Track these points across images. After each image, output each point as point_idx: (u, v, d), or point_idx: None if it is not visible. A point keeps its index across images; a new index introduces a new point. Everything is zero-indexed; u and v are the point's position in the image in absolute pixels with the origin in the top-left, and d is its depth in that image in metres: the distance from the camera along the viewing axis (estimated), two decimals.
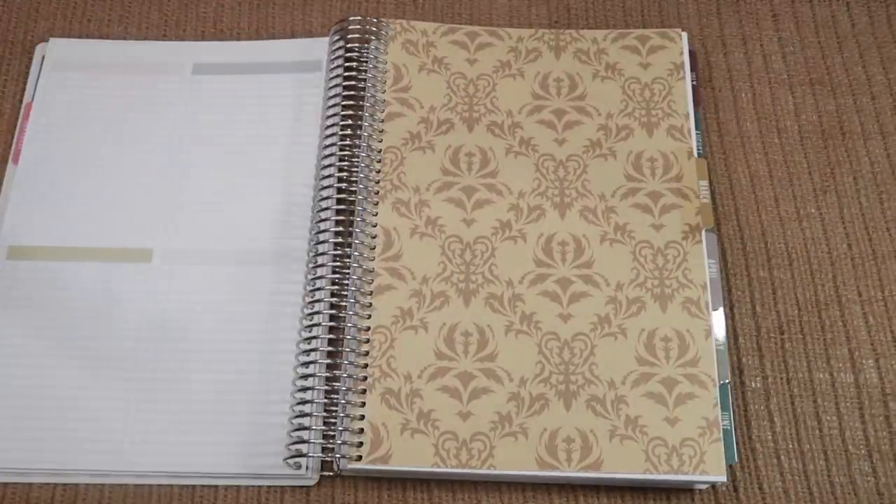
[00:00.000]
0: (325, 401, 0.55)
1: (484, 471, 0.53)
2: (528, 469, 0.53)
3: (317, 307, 0.57)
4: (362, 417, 0.54)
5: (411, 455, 0.53)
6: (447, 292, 0.57)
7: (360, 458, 0.53)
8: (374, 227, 0.59)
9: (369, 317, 0.56)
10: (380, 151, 0.61)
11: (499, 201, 0.59)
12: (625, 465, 0.53)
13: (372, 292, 0.57)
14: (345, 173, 0.60)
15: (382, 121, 0.62)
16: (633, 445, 0.53)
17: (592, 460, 0.53)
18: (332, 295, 0.57)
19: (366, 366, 0.55)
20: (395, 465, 0.53)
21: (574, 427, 0.53)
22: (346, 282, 0.57)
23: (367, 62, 0.63)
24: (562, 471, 0.53)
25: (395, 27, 0.65)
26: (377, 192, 0.60)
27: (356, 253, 0.58)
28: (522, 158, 0.61)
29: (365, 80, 0.63)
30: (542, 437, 0.53)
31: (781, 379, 0.58)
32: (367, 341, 0.56)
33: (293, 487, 0.55)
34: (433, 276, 0.57)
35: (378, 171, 0.60)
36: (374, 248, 0.58)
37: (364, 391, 0.54)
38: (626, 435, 0.53)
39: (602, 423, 0.54)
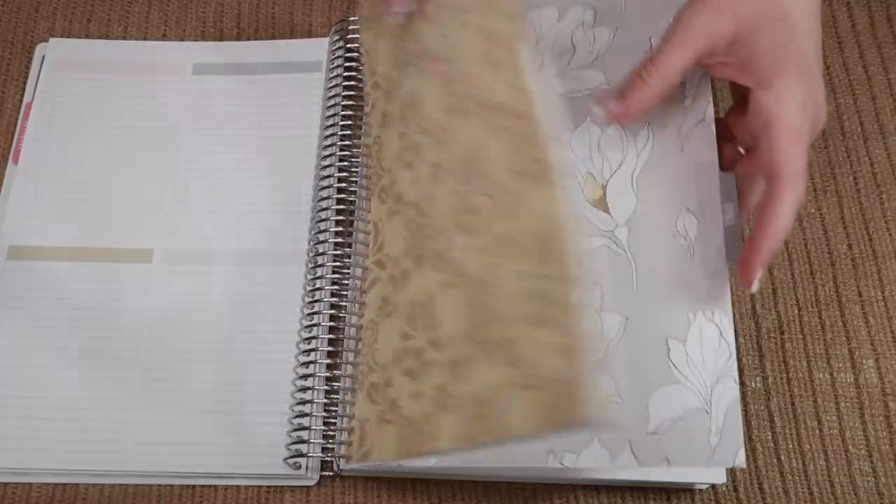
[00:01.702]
0: (325, 401, 0.55)
1: (485, 466, 0.52)
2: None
3: (316, 307, 0.57)
4: None
5: (382, 449, 0.49)
6: (408, 266, 0.52)
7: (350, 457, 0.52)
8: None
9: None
10: None
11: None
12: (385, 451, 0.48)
13: (366, 291, 0.57)
14: (345, 173, 0.60)
15: None
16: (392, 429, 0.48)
17: (367, 449, 0.49)
18: (332, 295, 0.57)
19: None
20: (373, 462, 0.50)
21: (357, 419, 0.51)
22: (345, 282, 0.57)
23: None
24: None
25: None
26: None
27: (355, 253, 0.58)
28: None
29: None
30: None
31: (781, 379, 0.58)
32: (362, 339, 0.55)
33: (293, 487, 0.55)
34: (401, 252, 0.53)
35: None
36: (370, 247, 0.58)
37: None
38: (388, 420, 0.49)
39: (376, 410, 0.50)
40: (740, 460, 0.47)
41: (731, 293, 0.54)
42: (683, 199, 0.52)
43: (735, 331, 0.58)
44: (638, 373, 0.49)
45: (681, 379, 0.49)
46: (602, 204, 0.53)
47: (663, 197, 0.52)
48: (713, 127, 0.53)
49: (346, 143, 0.61)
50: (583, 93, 0.56)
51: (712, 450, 0.48)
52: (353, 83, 0.63)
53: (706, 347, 0.49)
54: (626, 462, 0.48)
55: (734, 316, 0.58)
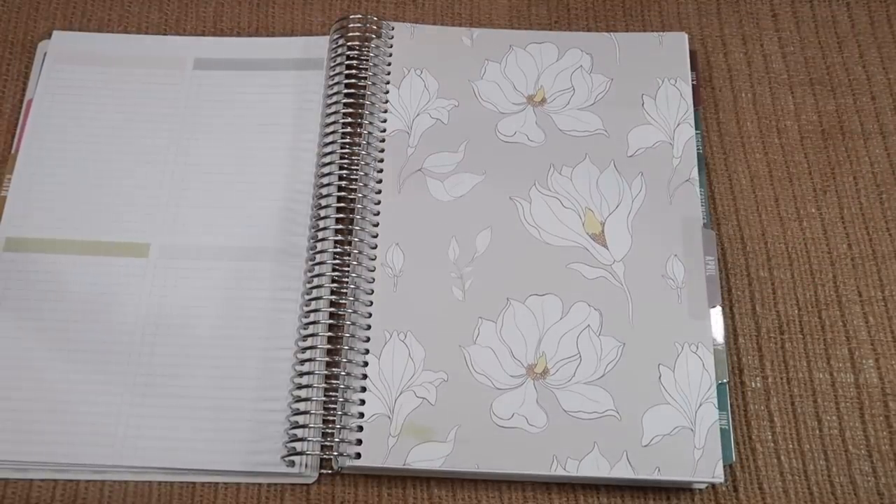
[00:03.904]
0: (324, 398, 0.55)
1: (484, 469, 0.53)
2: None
3: (315, 304, 0.57)
4: (361, 415, 0.54)
5: (375, 450, 0.53)
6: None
7: (358, 455, 0.53)
8: (376, 226, 0.59)
9: (369, 315, 0.56)
10: (381, 151, 0.61)
11: None
12: None
13: (373, 291, 0.57)
14: (345, 171, 0.60)
15: (384, 121, 0.62)
16: None
17: None
18: (332, 292, 0.57)
19: (366, 364, 0.55)
20: (366, 462, 0.53)
21: None
22: (345, 279, 0.57)
23: (367, 60, 0.63)
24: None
25: (400, 29, 0.65)
26: (379, 192, 0.60)
27: (356, 251, 0.58)
28: None
29: (366, 77, 0.63)
30: None
31: (781, 379, 0.58)
32: (368, 340, 0.56)
33: (293, 485, 0.55)
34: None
35: (380, 171, 0.60)
36: (375, 248, 0.58)
37: (364, 389, 0.54)
38: None
39: None
40: (718, 474, 0.53)
41: (730, 295, 0.59)
42: (671, 245, 0.58)
43: (735, 331, 0.59)
44: (634, 392, 0.55)
45: (670, 400, 0.54)
46: (601, 239, 0.59)
47: (654, 241, 0.59)
48: (697, 187, 0.60)
49: (347, 140, 0.61)
50: (582, 133, 0.62)
51: (696, 462, 0.53)
52: (353, 81, 0.63)
53: (691, 375, 0.55)
54: (622, 470, 0.53)
55: (734, 316, 0.59)
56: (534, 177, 0.60)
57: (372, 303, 0.57)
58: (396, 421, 0.54)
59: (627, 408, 0.54)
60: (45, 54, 0.66)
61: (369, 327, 0.56)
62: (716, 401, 0.54)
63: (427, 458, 0.53)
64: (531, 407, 0.54)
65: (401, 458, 0.53)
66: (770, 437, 0.56)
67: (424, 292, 0.57)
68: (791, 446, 0.56)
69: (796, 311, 0.60)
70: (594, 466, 0.53)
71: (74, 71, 0.66)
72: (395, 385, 0.55)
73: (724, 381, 0.55)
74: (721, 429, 0.54)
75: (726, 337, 0.57)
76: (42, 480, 0.55)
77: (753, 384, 0.57)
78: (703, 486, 0.55)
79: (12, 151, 0.63)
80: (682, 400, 0.54)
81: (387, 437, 0.53)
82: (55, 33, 0.67)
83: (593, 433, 0.54)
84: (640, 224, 0.59)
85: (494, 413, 0.54)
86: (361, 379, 0.55)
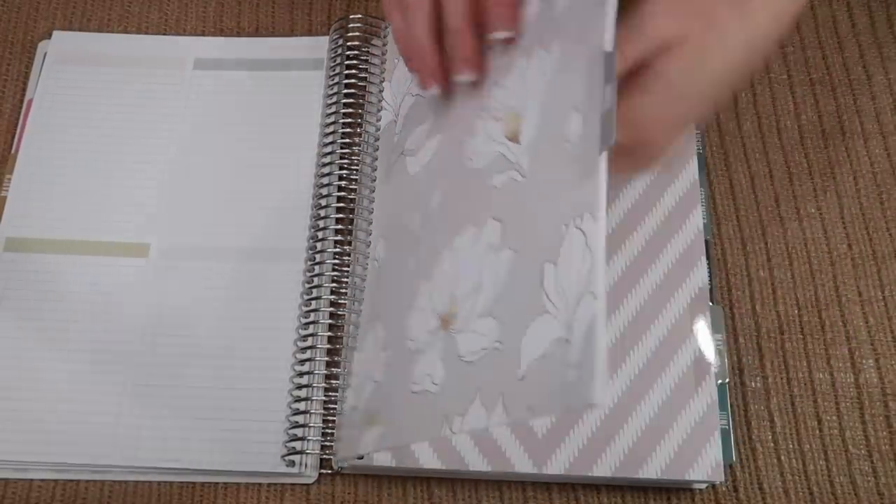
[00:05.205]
0: (324, 398, 0.55)
1: (483, 468, 0.53)
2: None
3: (315, 304, 0.57)
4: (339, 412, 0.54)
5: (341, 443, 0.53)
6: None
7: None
8: (370, 223, 0.59)
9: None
10: (377, 150, 0.61)
11: None
12: None
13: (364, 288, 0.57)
14: (344, 171, 0.60)
15: (380, 119, 0.62)
16: None
17: None
18: (332, 292, 0.57)
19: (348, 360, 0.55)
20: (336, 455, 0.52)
21: None
22: (344, 279, 0.57)
23: (367, 60, 0.63)
24: None
25: None
26: (373, 190, 0.60)
27: (355, 250, 0.58)
28: None
29: (366, 77, 0.63)
30: None
31: (781, 379, 0.58)
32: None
33: (293, 485, 0.55)
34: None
35: (375, 170, 0.60)
36: (368, 245, 0.58)
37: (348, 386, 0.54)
38: None
39: None
40: (595, 397, 0.33)
41: (730, 296, 0.53)
42: (572, 97, 0.42)
43: (735, 331, 0.59)
44: (517, 310, 0.41)
45: (549, 308, 0.39)
46: (516, 135, 0.46)
47: (560, 103, 0.43)
48: (611, 8, 0.40)
49: (346, 140, 0.61)
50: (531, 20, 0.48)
51: (569, 387, 0.35)
52: (353, 81, 0.63)
53: (574, 263, 0.38)
54: (499, 418, 0.39)
55: (734, 316, 0.59)
56: (480, 105, 0.49)
57: (363, 300, 0.57)
58: (358, 410, 0.52)
59: (510, 333, 0.41)
60: (45, 54, 0.67)
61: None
62: (597, 288, 0.36)
63: (369, 443, 0.50)
64: (435, 362, 0.45)
65: (354, 449, 0.51)
66: (770, 437, 0.56)
67: (392, 274, 0.55)
68: (791, 446, 0.56)
69: (796, 311, 0.59)
70: (476, 419, 0.41)
71: (74, 71, 0.66)
72: (364, 373, 0.53)
73: (725, 380, 0.55)
74: (721, 429, 0.53)
75: (726, 336, 0.57)
76: (42, 480, 0.55)
77: (753, 384, 0.57)
78: (703, 486, 0.55)
79: (12, 151, 0.63)
80: (562, 302, 0.38)
81: (350, 429, 0.52)
82: (55, 33, 0.67)
83: (477, 377, 0.42)
84: (548, 89, 0.44)
85: (412, 380, 0.46)
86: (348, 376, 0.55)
